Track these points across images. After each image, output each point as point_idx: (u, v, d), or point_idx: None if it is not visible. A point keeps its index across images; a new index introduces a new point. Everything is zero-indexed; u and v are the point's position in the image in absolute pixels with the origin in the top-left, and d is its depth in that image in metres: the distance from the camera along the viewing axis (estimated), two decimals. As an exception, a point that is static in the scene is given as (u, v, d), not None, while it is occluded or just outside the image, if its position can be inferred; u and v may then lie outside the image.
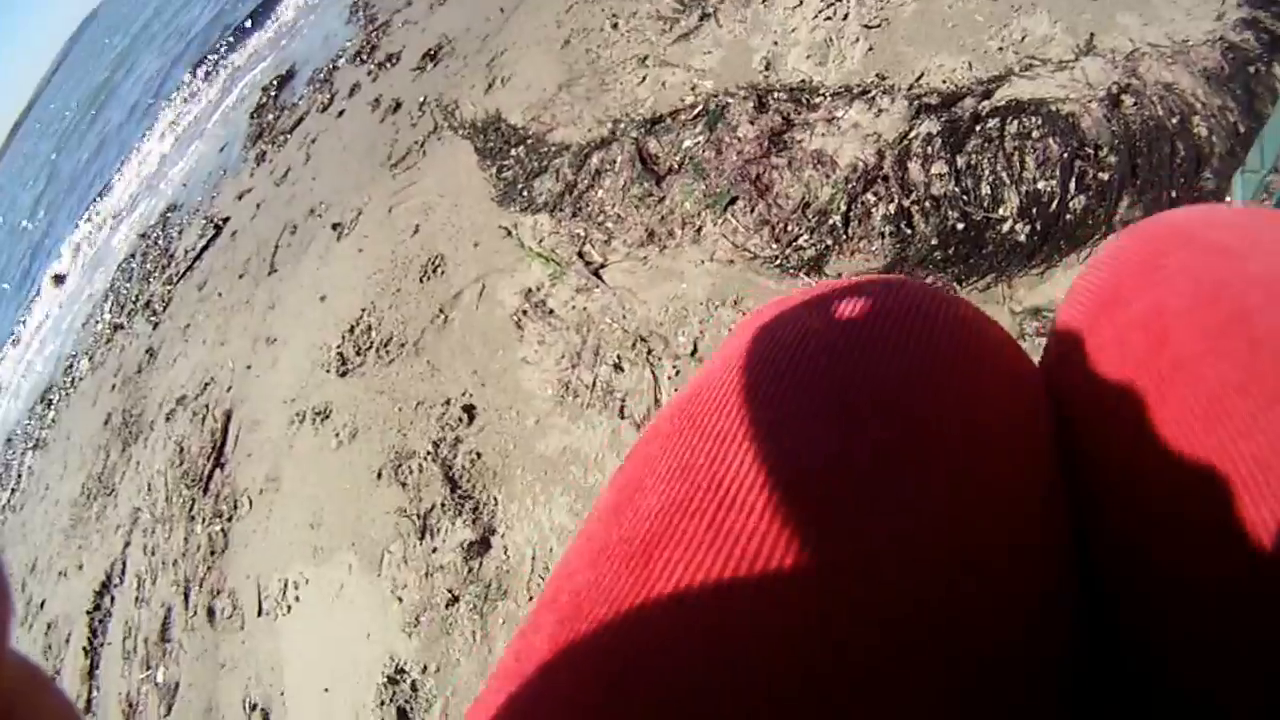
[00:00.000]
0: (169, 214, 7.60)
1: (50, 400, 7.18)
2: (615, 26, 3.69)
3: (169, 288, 5.97)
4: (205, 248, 5.86)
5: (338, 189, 4.61)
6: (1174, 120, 2.07)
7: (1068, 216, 2.07)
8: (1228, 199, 1.71)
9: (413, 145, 4.26)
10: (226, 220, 5.90)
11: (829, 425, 0.43)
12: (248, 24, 10.87)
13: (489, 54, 4.37)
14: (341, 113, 5.48)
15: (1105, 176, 2.07)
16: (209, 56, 11.43)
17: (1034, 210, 2.10)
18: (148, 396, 4.98)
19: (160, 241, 7.18)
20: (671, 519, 0.42)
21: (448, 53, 4.83)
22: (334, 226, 4.22)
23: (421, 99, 4.57)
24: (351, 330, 3.41)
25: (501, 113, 3.77)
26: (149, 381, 5.14)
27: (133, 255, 7.75)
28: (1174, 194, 1.99)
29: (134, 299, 6.65)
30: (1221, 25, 2.24)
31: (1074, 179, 2.09)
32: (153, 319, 5.82)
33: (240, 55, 10.28)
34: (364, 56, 5.91)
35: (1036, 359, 1.61)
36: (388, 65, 5.43)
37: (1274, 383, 0.39)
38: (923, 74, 2.53)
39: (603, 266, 2.69)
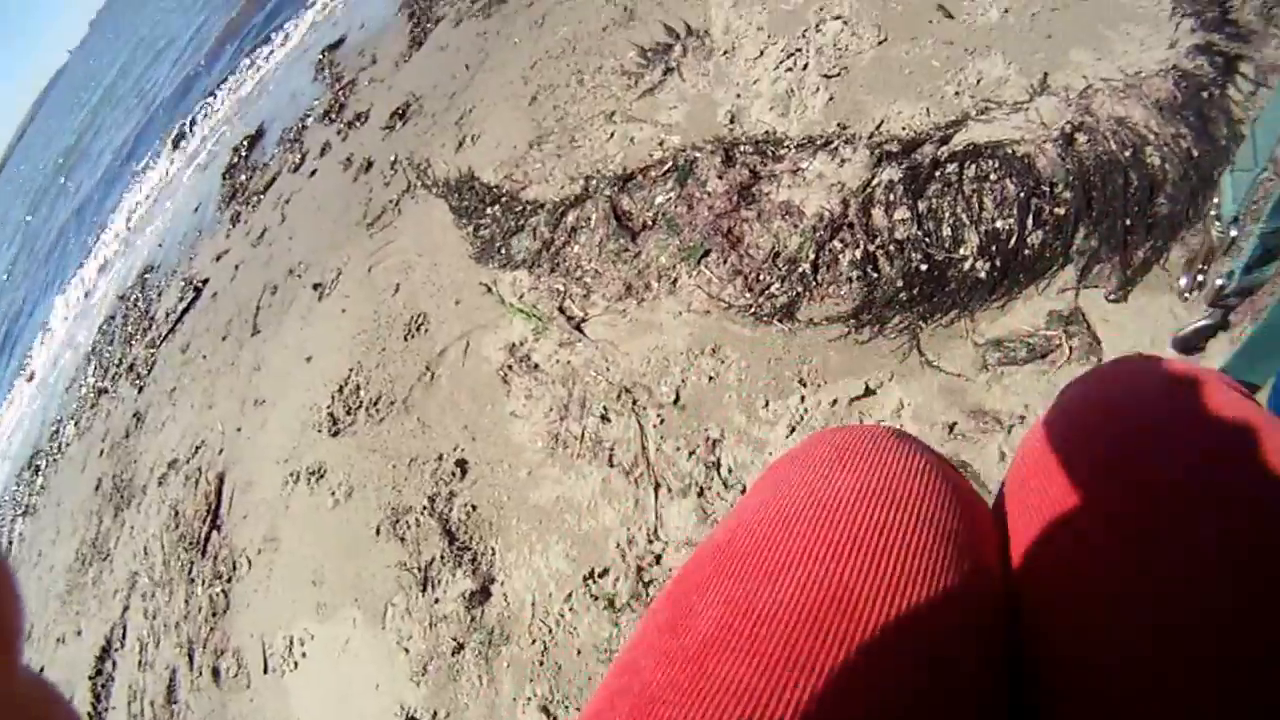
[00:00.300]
0: (146, 275, 7.59)
1: (38, 466, 7.12)
2: (581, 82, 3.75)
3: (151, 351, 5.95)
4: (186, 310, 5.85)
5: (315, 249, 4.64)
6: (1127, 153, 2.15)
7: (1026, 252, 2.14)
8: (1215, 200, 1.70)
9: (387, 204, 4.29)
10: (206, 282, 5.89)
11: (827, 569, 0.59)
12: (216, 82, 10.89)
13: (457, 111, 4.43)
14: (314, 172, 5.52)
15: (1061, 211, 2.15)
16: (178, 115, 11.43)
17: (993, 248, 2.17)
18: (138, 461, 4.96)
19: (140, 303, 7.16)
20: (719, 635, 0.57)
21: (416, 111, 4.89)
22: (315, 287, 4.25)
23: (393, 158, 4.61)
24: (340, 390, 3.44)
25: (474, 171, 3.81)
26: (138, 446, 5.12)
27: (112, 317, 7.72)
28: (1128, 222, 2.06)
29: (117, 362, 6.62)
30: (1174, 53, 2.33)
31: (1031, 216, 2.16)
32: (137, 382, 5.80)
33: (209, 114, 10.31)
34: (332, 115, 5.96)
35: (997, 389, 1.68)
36: (357, 124, 5.47)
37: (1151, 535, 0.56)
38: (883, 121, 2.61)
39: (584, 320, 2.74)
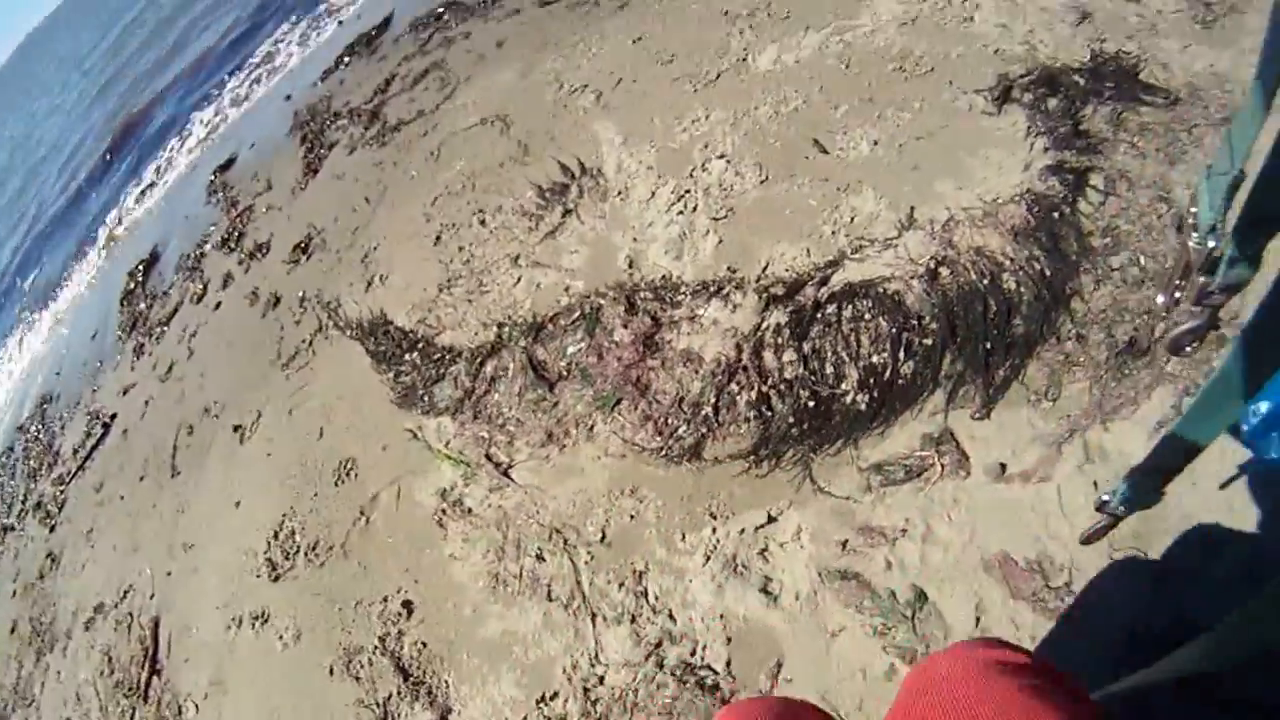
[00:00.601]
0: (46, 405, 7.40)
1: (-61, 609, 6.82)
2: (483, 223, 3.97)
3: (60, 488, 5.83)
4: (95, 446, 5.77)
5: (230, 388, 4.70)
6: (985, 281, 2.46)
7: (899, 382, 2.42)
8: (1191, 210, 1.61)
9: (300, 345, 4.40)
10: (114, 417, 5.83)
11: None
12: (104, 199, 10.67)
13: (362, 249, 4.59)
14: (218, 305, 5.58)
15: (929, 342, 2.44)
16: (65, 231, 11.16)
17: (871, 381, 2.45)
18: (57, 604, 4.87)
19: (41, 436, 6.98)
20: None
21: (319, 245, 5.03)
22: (235, 429, 4.32)
23: (301, 294, 4.74)
24: (276, 535, 3.53)
25: (386, 313, 3.98)
26: (56, 588, 5.02)
27: (10, 449, 7.47)
28: (988, 345, 2.36)
29: (22, 499, 6.42)
30: (1029, 176, 2.65)
31: (902, 349, 2.46)
32: (48, 522, 5.67)
33: (99, 233, 10.10)
34: (231, 244, 6.04)
35: (881, 507, 1.97)
36: (258, 255, 5.57)
37: None
38: (768, 264, 2.90)
39: (510, 466, 2.94)
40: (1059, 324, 2.33)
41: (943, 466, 2.23)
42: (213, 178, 7.47)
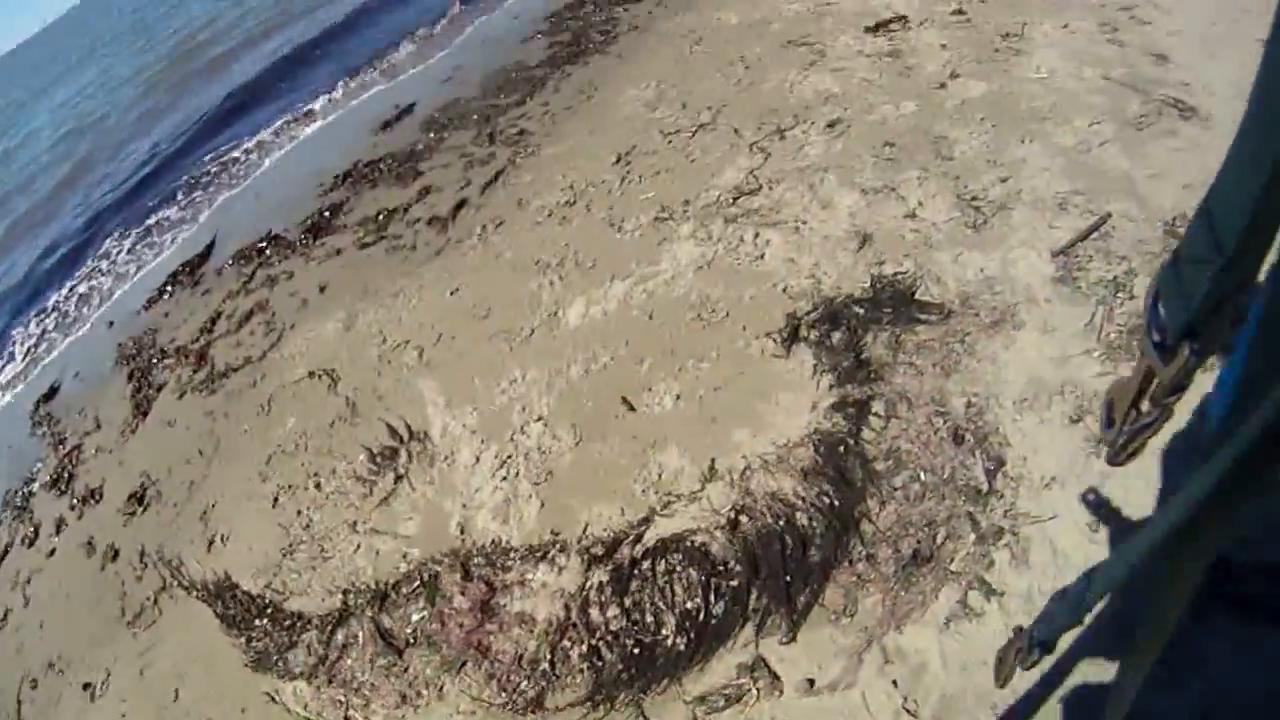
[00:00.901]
0: None
1: None
2: (319, 487, 4.12)
3: (-113, 744, 5.44)
4: (-78, 696, 5.43)
5: (73, 643, 4.55)
6: (781, 522, 2.81)
7: (713, 622, 2.75)
8: (1148, 304, 1.27)
9: (145, 602, 4.34)
10: (-56, 665, 5.50)
11: None
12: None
13: (200, 505, 4.62)
14: (53, 551, 5.39)
15: (735, 583, 2.78)
16: None
17: (687, 624, 2.78)
18: None
19: None
20: None
21: (155, 497, 5.00)
22: (85, 687, 4.19)
23: (140, 549, 4.68)
24: (140, 801, 3.45)
25: (231, 576, 4.02)
26: None
27: None
28: (789, 578, 2.70)
29: None
30: (816, 415, 3.02)
31: (713, 593, 2.79)
32: (-127, 782, 5.26)
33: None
34: (62, 486, 5.87)
35: None
36: (91, 502, 5.46)
37: None
38: (587, 525, 3.19)
39: (370, 727, 3.09)
40: (850, 547, 2.68)
41: (758, 690, 2.54)
42: (35, 407, 7.20)
